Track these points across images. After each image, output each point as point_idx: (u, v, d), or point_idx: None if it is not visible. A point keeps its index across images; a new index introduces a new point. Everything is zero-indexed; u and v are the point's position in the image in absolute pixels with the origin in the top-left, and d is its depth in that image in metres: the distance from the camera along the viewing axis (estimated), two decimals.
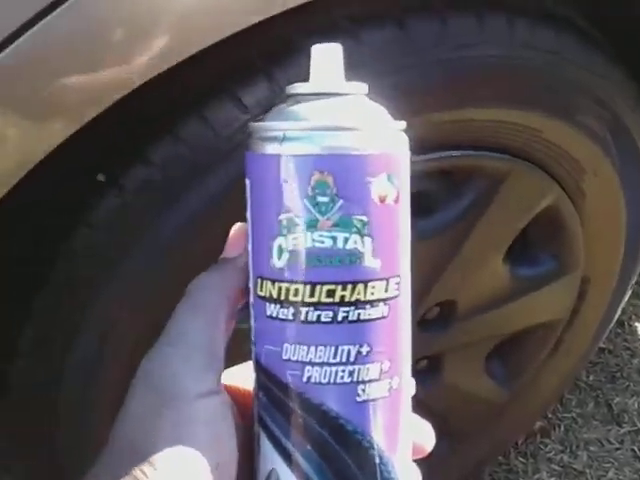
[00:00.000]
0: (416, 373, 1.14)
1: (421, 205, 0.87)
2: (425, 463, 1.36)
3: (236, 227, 0.38)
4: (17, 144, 0.56)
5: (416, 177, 0.83)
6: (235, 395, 0.38)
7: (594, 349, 1.24)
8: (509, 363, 1.12)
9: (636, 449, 1.37)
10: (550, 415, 1.43)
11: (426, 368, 1.03)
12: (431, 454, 0.40)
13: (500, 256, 0.95)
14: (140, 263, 0.69)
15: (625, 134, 0.92)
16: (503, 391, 1.13)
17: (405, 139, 0.37)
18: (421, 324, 0.95)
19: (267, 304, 0.35)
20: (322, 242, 0.34)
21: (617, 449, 1.38)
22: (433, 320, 0.97)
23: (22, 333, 0.72)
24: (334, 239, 0.34)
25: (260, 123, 0.36)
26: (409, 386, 0.38)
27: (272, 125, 0.35)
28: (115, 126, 0.60)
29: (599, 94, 0.87)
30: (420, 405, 1.12)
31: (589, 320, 1.13)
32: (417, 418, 0.39)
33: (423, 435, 0.39)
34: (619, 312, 1.19)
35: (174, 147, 0.67)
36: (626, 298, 1.17)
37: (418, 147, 0.79)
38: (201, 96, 0.67)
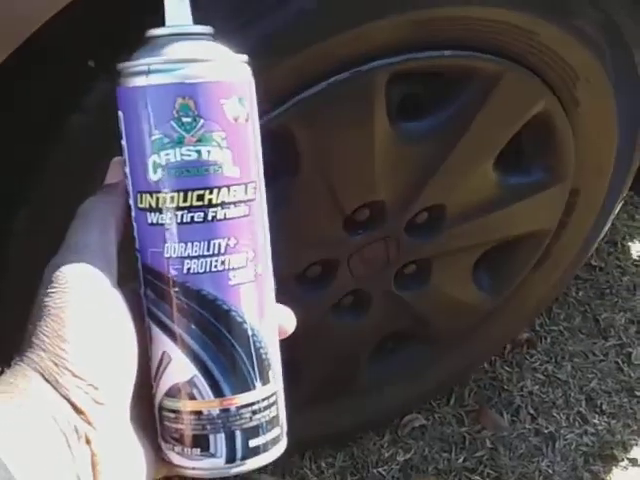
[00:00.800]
0: (404, 277, 1.13)
1: (411, 107, 0.88)
2: (409, 368, 1.37)
3: (114, 160, 0.45)
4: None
5: (407, 78, 0.83)
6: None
7: (581, 262, 1.26)
8: (496, 272, 1.14)
9: (620, 361, 1.41)
10: (537, 328, 1.46)
11: (414, 272, 1.05)
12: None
13: (490, 162, 0.96)
14: None
15: (620, 42, 0.92)
16: (489, 300, 1.16)
17: (248, 69, 0.43)
18: (409, 228, 0.97)
19: (147, 214, 0.42)
20: (189, 155, 0.40)
21: (601, 361, 1.42)
22: (422, 225, 0.98)
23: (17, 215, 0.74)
24: (199, 152, 0.40)
25: (127, 62, 0.41)
26: (271, 277, 0.44)
27: (138, 62, 0.41)
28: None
29: None
30: (407, 309, 1.14)
31: (577, 232, 1.15)
32: (280, 306, 0.46)
33: (285, 319, 0.46)
34: (608, 227, 1.20)
35: None
36: (616, 212, 1.17)
37: (408, 46, 0.80)
38: None
